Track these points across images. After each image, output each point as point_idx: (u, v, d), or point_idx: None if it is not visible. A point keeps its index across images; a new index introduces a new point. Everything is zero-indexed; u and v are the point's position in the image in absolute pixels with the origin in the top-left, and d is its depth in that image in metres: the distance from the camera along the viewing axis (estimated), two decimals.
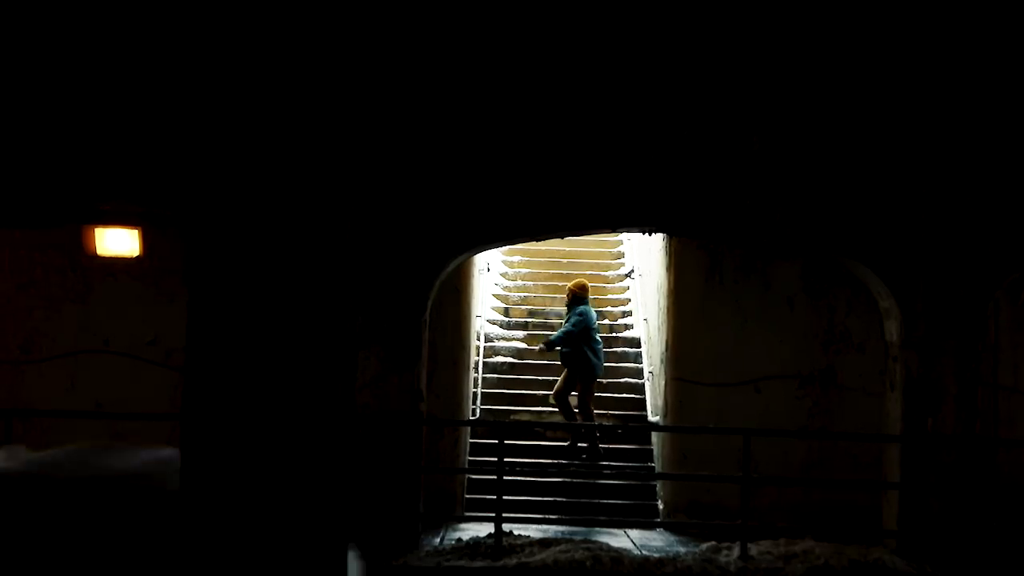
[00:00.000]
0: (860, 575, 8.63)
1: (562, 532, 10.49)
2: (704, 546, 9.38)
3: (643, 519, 11.35)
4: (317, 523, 5.05)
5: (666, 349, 11.82)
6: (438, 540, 9.98)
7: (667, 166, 9.37)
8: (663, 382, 11.98)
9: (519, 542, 9.13)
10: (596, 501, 11.57)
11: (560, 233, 9.75)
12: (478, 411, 12.61)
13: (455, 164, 9.29)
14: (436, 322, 11.34)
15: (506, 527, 9.74)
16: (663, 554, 9.24)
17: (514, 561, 8.63)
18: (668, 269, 11.78)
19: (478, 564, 8.62)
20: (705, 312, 11.46)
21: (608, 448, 12.39)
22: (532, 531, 10.26)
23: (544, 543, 9.06)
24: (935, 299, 9.39)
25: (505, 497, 11.41)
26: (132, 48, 8.36)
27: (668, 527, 11.09)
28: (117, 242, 10.24)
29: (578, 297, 12.67)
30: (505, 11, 9.23)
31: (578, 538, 9.40)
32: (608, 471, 11.98)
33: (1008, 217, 9.40)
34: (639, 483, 11.96)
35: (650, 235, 11.29)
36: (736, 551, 9.06)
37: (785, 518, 10.68)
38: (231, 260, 5.15)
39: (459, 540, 9.40)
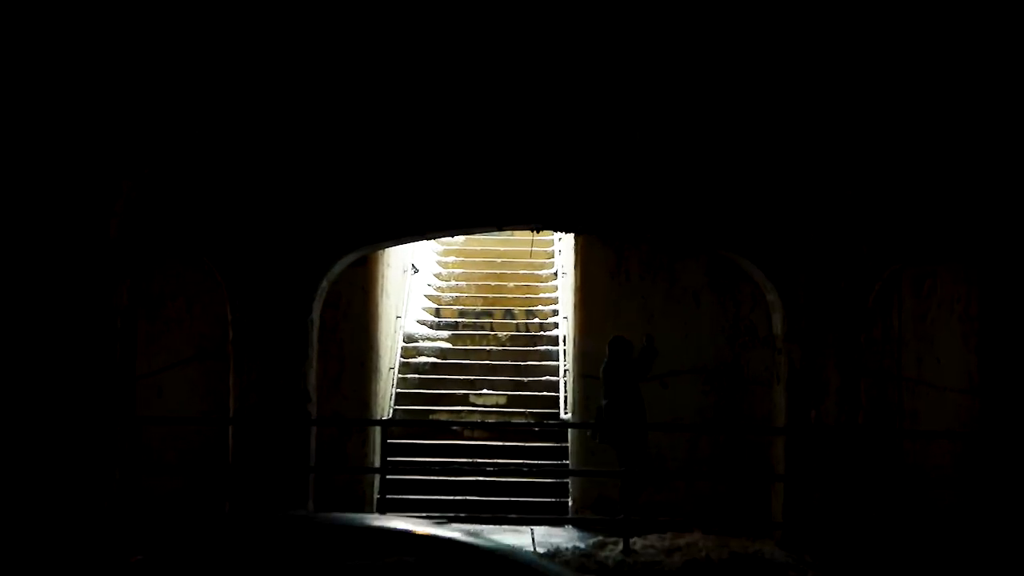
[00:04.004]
0: (738, 566, 8.69)
1: (468, 530, 10.52)
2: (591, 541, 9.46)
3: (553, 516, 11.41)
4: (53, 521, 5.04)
5: (574, 346, 11.89)
6: None
7: (550, 164, 9.44)
8: (572, 379, 12.05)
9: None
10: (510, 499, 11.61)
11: (447, 232, 9.86)
12: (391, 411, 12.67)
13: (337, 166, 9.36)
14: (343, 323, 11.46)
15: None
16: (547, 549, 9.30)
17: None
18: (575, 266, 11.86)
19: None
20: (611, 309, 11.54)
21: (525, 447, 12.45)
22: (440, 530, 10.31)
23: None
24: (816, 292, 9.47)
25: (419, 496, 11.60)
26: None
27: (576, 523, 11.13)
28: None
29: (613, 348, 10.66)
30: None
31: None
32: (525, 469, 12.00)
33: (886, 211, 9.45)
34: (554, 481, 12.02)
35: (537, 232, 11.39)
36: (621, 545, 9.12)
37: (694, 511, 10.79)
38: None
39: None
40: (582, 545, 9.80)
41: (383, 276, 12.12)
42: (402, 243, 10.54)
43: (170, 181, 8.91)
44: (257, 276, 9.34)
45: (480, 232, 10.83)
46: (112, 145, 6.25)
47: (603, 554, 8.97)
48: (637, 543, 9.27)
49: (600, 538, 9.48)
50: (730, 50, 9.28)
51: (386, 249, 12.24)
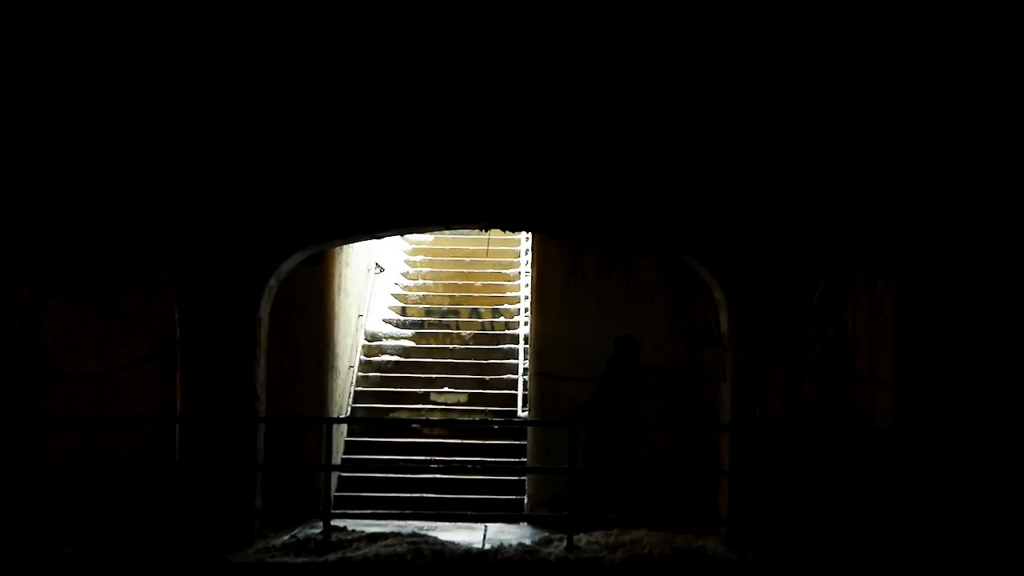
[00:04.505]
0: (679, 561, 8.72)
1: (419, 527, 10.56)
2: (538, 537, 9.49)
3: (506, 513, 11.44)
4: None
5: (531, 344, 11.93)
6: (288, 537, 10.02)
7: (497, 162, 9.47)
8: (530, 377, 12.08)
9: (349, 537, 9.22)
10: (467, 496, 11.64)
11: (396, 231, 9.88)
12: (349, 409, 12.70)
13: (282, 165, 9.38)
14: (300, 322, 11.49)
15: (351, 524, 9.87)
16: (493, 545, 9.33)
17: (336, 556, 8.72)
18: (532, 264, 11.90)
19: (301, 560, 8.71)
20: (567, 307, 11.57)
21: (484, 444, 12.50)
22: (392, 527, 10.32)
23: (372, 538, 9.15)
24: (761, 290, 9.50)
25: (376, 494, 11.64)
26: None
27: (532, 520, 11.18)
28: None
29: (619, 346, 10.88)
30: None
31: (407, 532, 9.49)
32: (471, 466, 11.99)
33: (829, 210, 9.49)
34: (513, 478, 12.05)
35: (485, 231, 11.42)
36: (565, 541, 9.16)
37: (647, 508, 10.81)
38: None
39: (292, 536, 9.49)
40: (528, 541, 9.83)
41: (341, 275, 12.15)
42: (350, 242, 10.56)
43: (107, 178, 8.95)
44: (203, 274, 9.36)
45: (429, 231, 10.88)
46: (3, 143, 6.25)
47: (547, 550, 9.00)
48: (583, 539, 9.30)
49: (546, 534, 9.51)
50: (676, 52, 9.33)
51: (346, 248, 12.30)
